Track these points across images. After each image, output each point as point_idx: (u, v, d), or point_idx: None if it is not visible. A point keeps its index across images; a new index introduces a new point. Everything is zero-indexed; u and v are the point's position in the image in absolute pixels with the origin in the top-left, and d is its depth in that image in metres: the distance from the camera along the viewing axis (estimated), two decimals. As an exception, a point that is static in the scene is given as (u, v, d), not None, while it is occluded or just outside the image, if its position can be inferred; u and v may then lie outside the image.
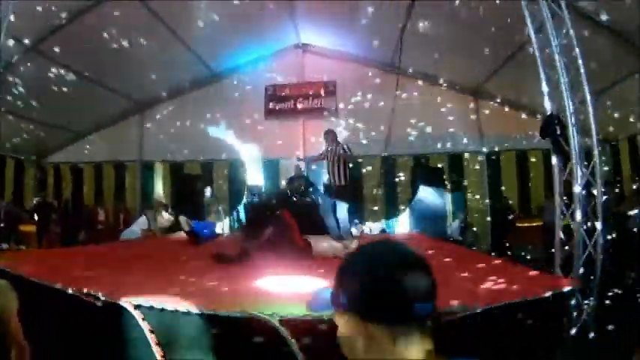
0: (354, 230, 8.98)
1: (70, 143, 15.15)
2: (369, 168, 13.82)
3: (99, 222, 13.97)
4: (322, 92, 14.20)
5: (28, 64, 10.35)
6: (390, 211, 13.83)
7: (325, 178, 10.70)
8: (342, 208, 8.88)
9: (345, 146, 9.64)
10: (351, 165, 9.83)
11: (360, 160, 13.01)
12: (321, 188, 10.52)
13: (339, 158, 9.41)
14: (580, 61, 5.65)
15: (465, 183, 13.68)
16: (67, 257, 6.19)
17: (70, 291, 3.60)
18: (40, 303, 3.59)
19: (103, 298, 3.43)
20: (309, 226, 7.49)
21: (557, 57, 5.77)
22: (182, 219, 9.38)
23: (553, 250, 6.26)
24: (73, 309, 3.55)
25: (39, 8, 8.99)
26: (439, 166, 13.76)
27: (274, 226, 6.74)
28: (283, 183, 12.14)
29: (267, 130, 14.08)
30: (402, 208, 13.71)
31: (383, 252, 1.28)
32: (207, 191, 12.83)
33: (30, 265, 4.58)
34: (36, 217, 12.98)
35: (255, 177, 13.48)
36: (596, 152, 5.64)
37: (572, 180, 5.80)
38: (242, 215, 12.50)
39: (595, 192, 5.80)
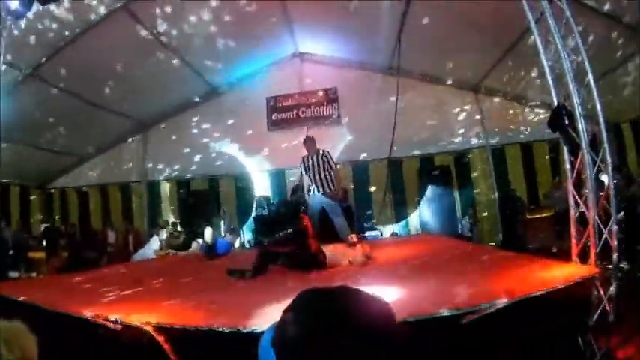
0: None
1: (75, 167, 15.15)
2: (375, 172, 13.79)
3: (108, 244, 13.93)
4: (324, 100, 14.23)
5: (28, 90, 10.36)
6: (400, 213, 13.86)
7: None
8: (336, 211, 8.82)
9: (326, 154, 9.44)
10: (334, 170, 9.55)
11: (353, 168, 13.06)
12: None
13: (322, 165, 9.22)
14: (582, 49, 5.63)
15: (472, 179, 13.74)
16: (79, 282, 6.15)
17: (88, 317, 3.58)
18: (60, 334, 3.53)
19: (122, 322, 3.42)
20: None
21: (560, 46, 5.76)
22: (208, 230, 9.34)
23: (566, 239, 6.24)
24: (93, 336, 3.53)
25: (36, 33, 9.05)
26: (445, 164, 13.73)
27: (291, 230, 6.69)
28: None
29: (271, 142, 14.16)
30: (412, 209, 13.74)
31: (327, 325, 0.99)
32: (224, 222, 12.83)
33: (44, 294, 4.56)
34: (44, 243, 12.97)
35: (262, 189, 13.51)
36: (605, 139, 5.62)
37: (582, 169, 5.78)
38: (252, 228, 12.54)
39: (604, 178, 5.79)
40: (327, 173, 8.94)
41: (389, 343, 0.99)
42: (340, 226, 8.65)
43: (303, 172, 9.25)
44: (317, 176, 8.95)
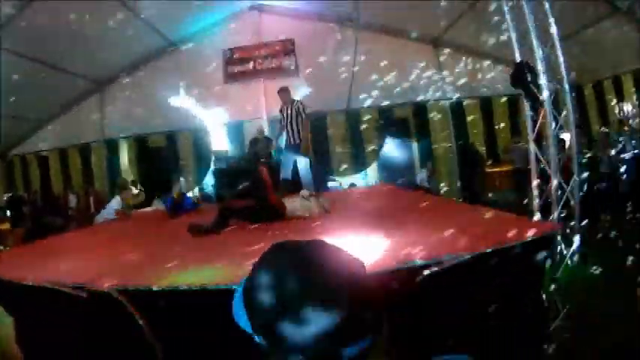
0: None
1: (34, 132, 14.85)
2: (334, 124, 13.79)
3: (69, 208, 13.77)
4: (281, 51, 14.15)
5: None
6: (358, 164, 13.92)
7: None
8: (303, 164, 8.91)
9: (300, 105, 9.57)
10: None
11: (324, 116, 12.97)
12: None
13: (296, 115, 9.34)
14: (547, 7, 5.66)
15: (431, 132, 13.82)
16: (45, 251, 6.04)
17: (53, 287, 3.52)
18: (30, 309, 3.48)
19: (87, 288, 3.38)
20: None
21: (524, 2, 5.77)
22: (175, 186, 9.24)
23: (526, 193, 6.38)
24: (62, 306, 3.49)
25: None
26: (403, 117, 13.79)
27: (250, 182, 6.67)
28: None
29: (229, 94, 14.00)
30: (370, 161, 13.83)
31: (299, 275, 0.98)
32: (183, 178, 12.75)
33: (11, 268, 4.48)
34: (8, 214, 12.84)
35: (220, 142, 13.41)
36: (568, 96, 5.71)
37: (543, 125, 5.88)
38: (211, 182, 12.47)
39: (565, 136, 5.91)
40: (299, 123, 9.03)
41: (357, 298, 0.96)
42: (304, 179, 8.76)
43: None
44: (289, 126, 9.06)
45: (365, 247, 3.75)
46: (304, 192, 8.04)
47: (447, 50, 13.56)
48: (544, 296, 4.50)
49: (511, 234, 3.56)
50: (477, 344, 3.09)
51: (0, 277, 3.95)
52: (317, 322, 0.92)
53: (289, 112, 9.13)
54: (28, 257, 5.52)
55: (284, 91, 9.52)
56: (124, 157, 14.83)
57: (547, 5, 5.60)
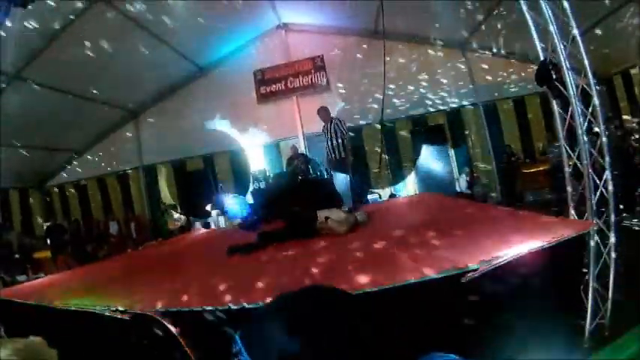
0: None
1: (71, 162, 15.10)
2: (369, 136, 13.77)
3: (110, 235, 13.97)
4: (311, 68, 14.18)
5: (15, 92, 10.27)
6: (397, 175, 13.88)
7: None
8: (340, 180, 8.98)
9: (338, 121, 9.79)
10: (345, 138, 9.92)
11: (351, 133, 13.01)
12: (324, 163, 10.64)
13: (334, 132, 9.57)
14: (566, 4, 5.56)
15: (466, 137, 13.70)
16: (87, 276, 6.12)
17: (96, 311, 3.57)
18: (72, 335, 3.52)
19: (130, 312, 3.42)
20: (320, 201, 7.51)
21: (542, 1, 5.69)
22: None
23: (563, 192, 6.25)
24: (106, 330, 3.54)
25: (16, 35, 8.88)
26: (438, 123, 13.74)
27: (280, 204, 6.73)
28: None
29: (263, 115, 14.18)
30: (408, 170, 13.80)
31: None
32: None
33: (50, 294, 4.53)
34: (49, 242, 12.97)
35: (257, 163, 13.52)
36: (594, 92, 5.60)
37: (573, 122, 5.76)
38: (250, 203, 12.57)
39: (597, 130, 5.77)
40: (339, 140, 9.26)
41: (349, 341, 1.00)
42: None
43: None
44: (330, 143, 9.30)
45: (397, 259, 3.74)
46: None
47: (475, 53, 13.41)
48: (583, 293, 4.43)
49: (546, 235, 3.50)
50: (517, 344, 3.06)
51: (42, 303, 4.02)
52: None
53: (329, 130, 9.36)
54: (69, 284, 5.61)
55: (323, 111, 9.75)
56: (164, 182, 14.98)
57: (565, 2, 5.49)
